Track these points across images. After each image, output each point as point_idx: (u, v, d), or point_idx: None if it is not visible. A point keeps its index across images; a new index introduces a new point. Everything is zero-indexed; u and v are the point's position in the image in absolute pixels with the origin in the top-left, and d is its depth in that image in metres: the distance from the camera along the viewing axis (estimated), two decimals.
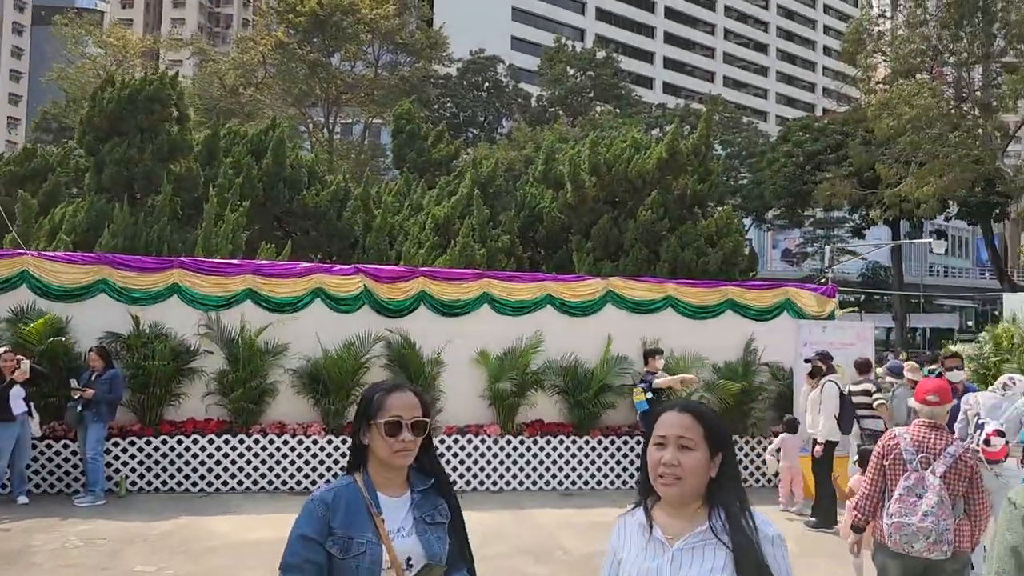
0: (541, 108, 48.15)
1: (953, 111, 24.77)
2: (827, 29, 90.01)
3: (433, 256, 12.93)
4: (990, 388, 6.64)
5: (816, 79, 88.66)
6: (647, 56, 77.57)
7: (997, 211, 36.08)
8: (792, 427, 9.41)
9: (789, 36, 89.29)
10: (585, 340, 10.59)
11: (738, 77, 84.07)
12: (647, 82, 74.28)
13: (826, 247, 22.57)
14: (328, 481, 2.67)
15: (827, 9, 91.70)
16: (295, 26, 43.74)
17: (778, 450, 9.50)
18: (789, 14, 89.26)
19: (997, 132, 25.40)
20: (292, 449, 9.54)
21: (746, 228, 49.72)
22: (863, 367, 9.55)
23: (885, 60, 29.79)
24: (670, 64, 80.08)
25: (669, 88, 77.23)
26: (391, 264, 12.52)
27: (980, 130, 25.28)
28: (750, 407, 10.66)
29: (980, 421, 6.36)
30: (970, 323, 60.55)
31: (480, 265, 12.52)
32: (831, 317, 11.26)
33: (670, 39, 79.86)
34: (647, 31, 79.00)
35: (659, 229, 13.03)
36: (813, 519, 8.64)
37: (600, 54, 48.31)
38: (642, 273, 12.39)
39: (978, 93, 25.72)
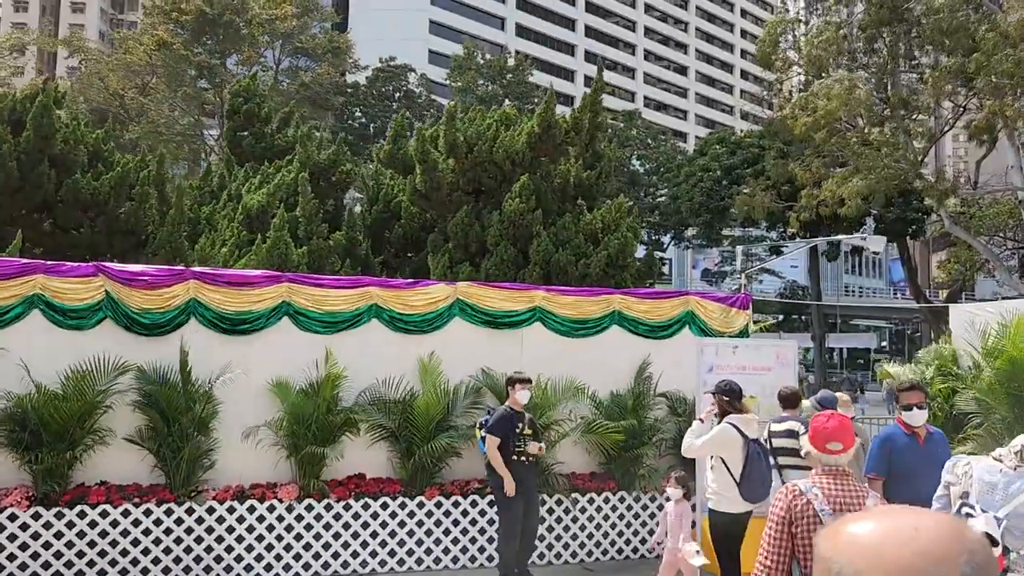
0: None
1: (875, 103, 23.26)
2: (744, 33, 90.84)
3: (235, 256, 10.06)
4: (992, 455, 4.16)
5: (735, 98, 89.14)
6: (568, 74, 76.19)
7: (913, 227, 35.11)
8: (682, 482, 6.82)
9: (708, 60, 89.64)
10: (419, 365, 7.91)
11: (659, 98, 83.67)
12: (569, 100, 72.92)
13: (738, 248, 20.54)
14: None
15: (744, 13, 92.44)
16: (182, 25, 40.31)
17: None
18: (709, 38, 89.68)
19: (919, 133, 24.02)
20: None
21: (664, 246, 48.24)
22: (789, 400, 7.12)
23: (800, 65, 28.39)
24: (590, 82, 78.96)
25: None
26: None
27: (902, 134, 23.86)
28: (641, 452, 8.13)
29: (966, 506, 3.89)
30: (884, 343, 60.27)
31: (298, 268, 9.72)
32: (743, 334, 8.85)
33: (590, 57, 78.73)
34: (567, 48, 77.84)
35: (530, 223, 10.42)
36: None
37: (511, 62, 46.22)
38: (508, 278, 9.80)
39: (901, 87, 24.33)
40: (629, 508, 8.11)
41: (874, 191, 23.91)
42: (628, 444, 8.10)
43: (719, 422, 6.26)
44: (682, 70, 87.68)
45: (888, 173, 23.71)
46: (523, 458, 6.91)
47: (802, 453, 7.08)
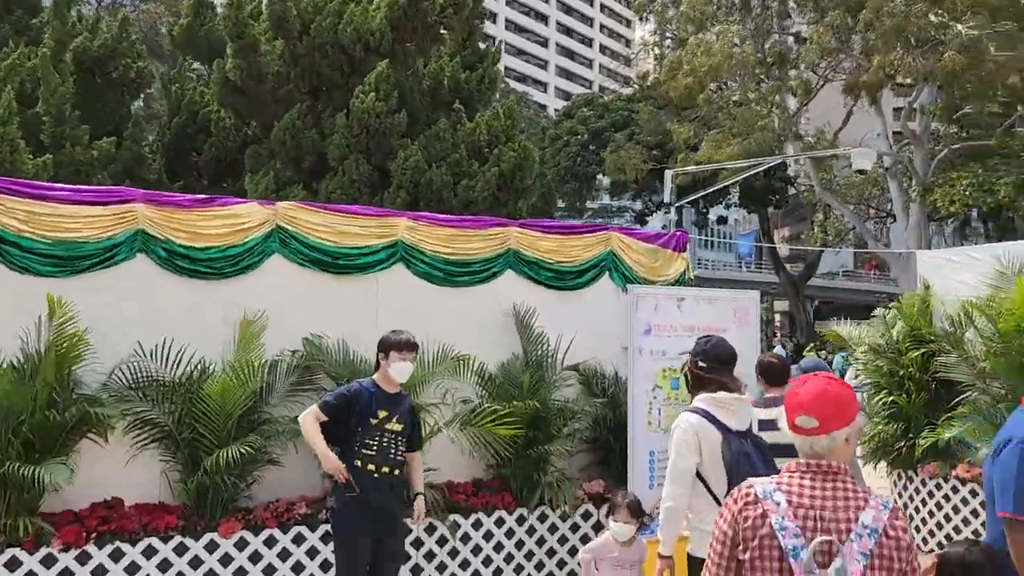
0: None
1: (753, 60, 21.97)
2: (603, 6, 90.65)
3: None
4: None
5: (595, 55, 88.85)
6: None
7: (777, 197, 34.76)
8: (636, 512, 4.38)
9: (568, 32, 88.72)
10: (216, 326, 5.08)
11: (522, 70, 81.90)
12: None
13: (667, 173, 18.60)
14: None
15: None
16: None
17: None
18: (568, 9, 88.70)
19: (796, 89, 22.99)
20: None
21: None
22: (775, 374, 4.88)
23: (674, 23, 26.96)
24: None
25: None
26: None
27: (779, 93, 22.80)
28: (547, 450, 5.68)
29: None
30: None
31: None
32: (681, 282, 6.55)
33: None
34: None
35: (390, 130, 7.60)
36: None
37: None
38: (361, 204, 6.99)
39: (778, 45, 23.28)
40: (532, 532, 5.64)
41: (750, 154, 22.79)
42: (529, 439, 5.63)
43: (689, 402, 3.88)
44: (543, 42, 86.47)
45: (763, 136, 22.67)
46: (374, 469, 4.30)
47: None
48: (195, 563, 4.69)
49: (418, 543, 5.26)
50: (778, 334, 40.30)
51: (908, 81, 22.53)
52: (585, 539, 5.55)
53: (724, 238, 69.54)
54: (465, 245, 5.96)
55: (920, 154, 22.41)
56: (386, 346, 4.47)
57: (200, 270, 5.14)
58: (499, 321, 5.99)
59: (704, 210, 36.97)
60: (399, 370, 4.42)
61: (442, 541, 5.33)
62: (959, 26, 18.50)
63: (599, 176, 36.58)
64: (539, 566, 5.63)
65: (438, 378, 5.60)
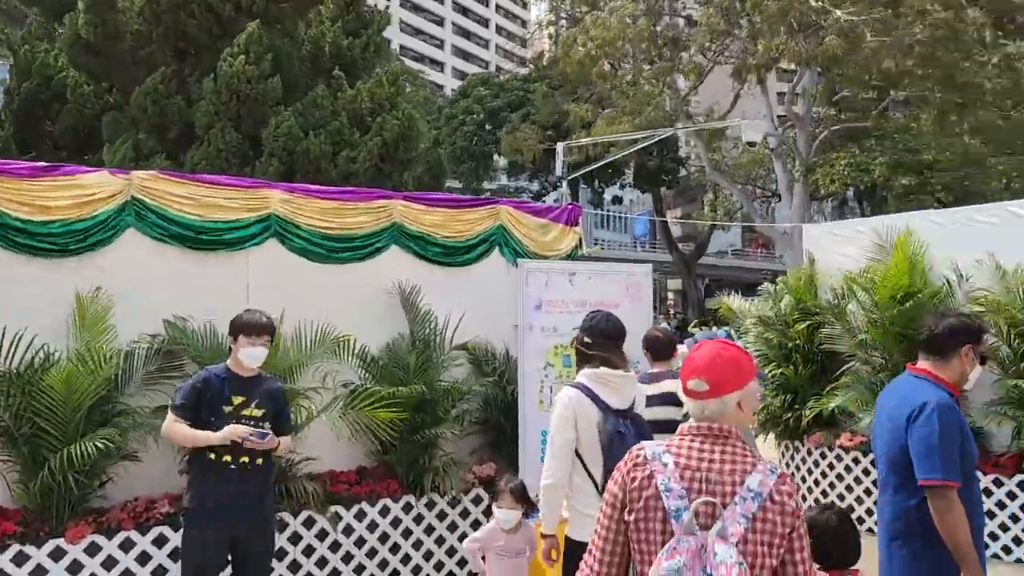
0: None
1: (646, 36, 22.15)
2: None
3: None
4: None
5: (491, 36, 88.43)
6: None
7: (669, 177, 35.42)
8: (520, 497, 4.17)
9: (464, 12, 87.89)
10: (61, 309, 4.56)
11: (419, 49, 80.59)
12: None
13: (558, 146, 18.42)
14: None
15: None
16: None
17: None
18: None
19: (688, 71, 23.33)
20: None
21: None
22: (662, 348, 4.77)
23: (571, 1, 26.96)
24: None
25: None
26: None
27: (669, 77, 23.11)
28: (435, 434, 5.41)
29: None
30: None
31: None
32: (573, 257, 6.38)
33: None
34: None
35: (263, 96, 7.08)
36: None
37: None
38: (230, 172, 6.46)
39: (669, 27, 23.59)
40: (419, 520, 5.36)
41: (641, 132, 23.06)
42: (415, 422, 5.34)
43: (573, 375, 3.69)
44: (439, 21, 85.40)
45: (656, 115, 22.96)
46: (230, 461, 3.91)
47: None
48: (38, 572, 4.19)
49: (296, 538, 4.90)
50: (671, 311, 41.32)
51: (792, 67, 23.24)
52: (477, 525, 5.32)
53: (620, 219, 70.84)
54: (346, 219, 5.59)
55: (803, 136, 23.17)
56: (235, 328, 4.06)
57: (41, 246, 4.59)
58: (383, 299, 5.67)
59: (600, 190, 37.35)
60: (249, 355, 4.02)
61: (322, 535, 4.99)
62: (838, 12, 19.12)
63: (496, 156, 36.41)
64: (428, 555, 5.37)
65: (317, 361, 5.24)
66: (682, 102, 24.10)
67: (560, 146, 17.70)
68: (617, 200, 42.33)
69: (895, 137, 23.00)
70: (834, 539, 2.93)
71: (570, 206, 6.63)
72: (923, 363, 3.19)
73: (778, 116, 26.12)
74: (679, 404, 4.38)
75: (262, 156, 7.15)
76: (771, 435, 7.50)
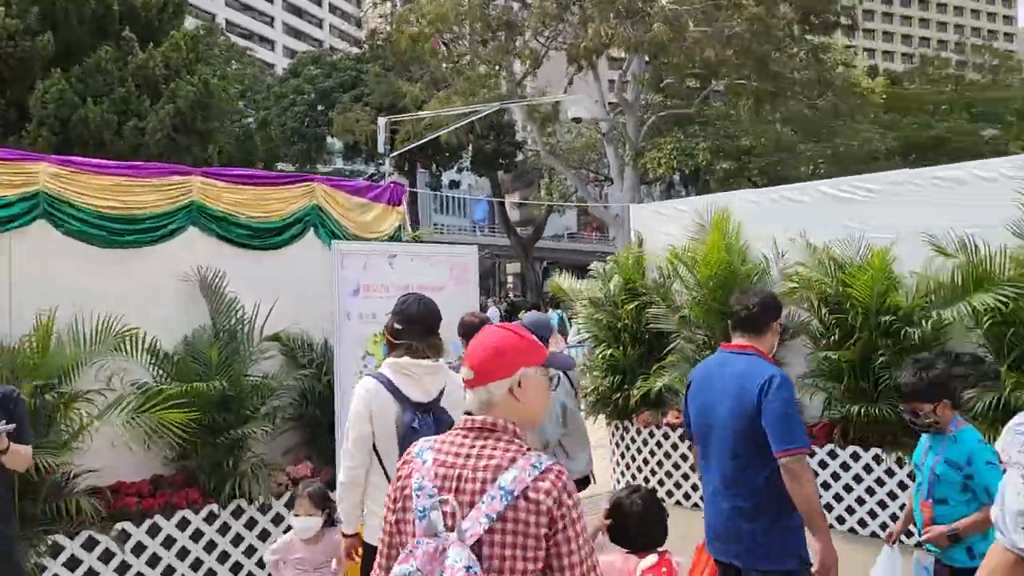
0: None
1: (479, 14, 21.99)
2: None
3: None
4: None
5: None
6: None
7: (507, 161, 35.59)
8: (320, 502, 3.77)
9: (297, 11, 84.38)
10: None
11: (248, 25, 76.53)
12: None
13: (380, 120, 17.75)
14: None
15: None
16: None
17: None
18: None
19: (524, 56, 23.41)
20: None
21: None
22: (474, 333, 4.46)
23: None
24: None
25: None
26: None
27: (504, 55, 23.09)
28: (239, 435, 4.89)
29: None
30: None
31: None
32: (397, 238, 6.00)
33: None
34: None
35: (31, 56, 6.15)
36: None
37: None
38: None
39: (504, 8, 23.54)
40: (225, 530, 4.84)
41: (475, 113, 22.95)
42: (216, 423, 4.80)
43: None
44: None
45: (490, 96, 22.90)
46: None
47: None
48: None
49: (73, 563, 4.26)
50: (510, 294, 41.72)
51: (622, 55, 23.86)
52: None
53: (459, 204, 70.79)
54: (133, 197, 4.94)
55: (632, 121, 23.86)
56: None
57: None
58: (181, 287, 5.07)
59: (437, 173, 36.97)
60: None
61: (107, 556, 4.37)
62: (664, 0, 19.78)
63: (329, 138, 35.16)
64: (236, 568, 4.86)
65: (100, 359, 4.59)
66: (517, 86, 24.19)
67: (382, 121, 17.18)
68: (455, 184, 42.11)
69: (716, 124, 24.18)
70: (639, 523, 2.88)
71: (393, 184, 6.25)
72: (741, 340, 3.22)
73: (610, 103, 26.79)
74: None
75: (30, 123, 6.24)
76: (601, 416, 7.49)
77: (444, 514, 1.79)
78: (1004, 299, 4.97)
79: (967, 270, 5.34)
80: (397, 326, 3.18)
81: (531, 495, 1.77)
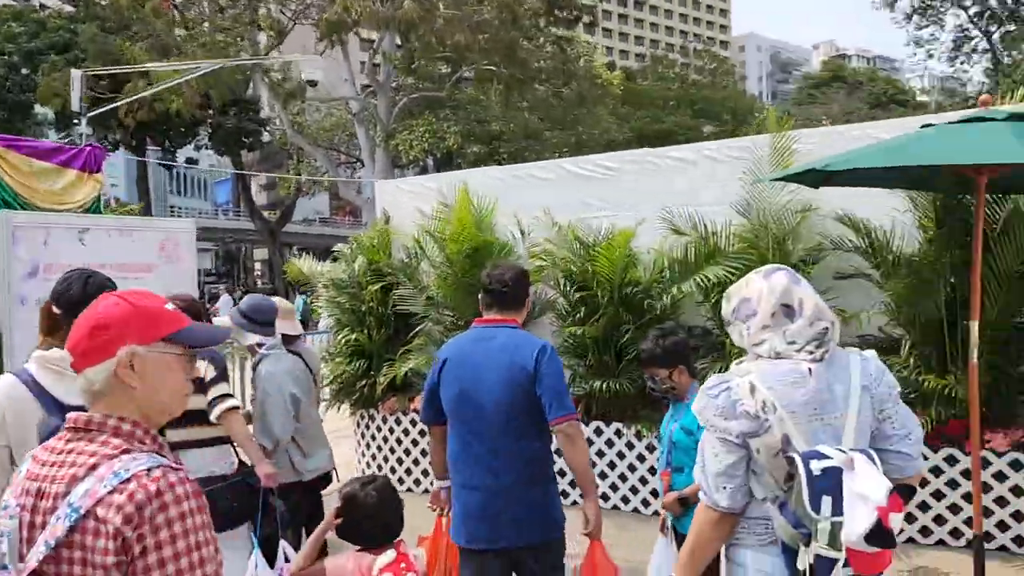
0: None
1: None
2: None
3: None
4: (762, 350, 2.10)
5: None
6: None
7: (250, 139, 33.41)
8: None
9: None
10: None
11: None
12: None
13: (74, 72, 15.56)
14: None
15: None
16: None
17: None
18: None
19: (267, 28, 22.04)
20: None
21: None
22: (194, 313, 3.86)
23: None
24: None
25: None
26: None
27: (245, 25, 21.59)
28: None
29: (796, 455, 1.92)
30: (211, 266, 58.08)
31: None
32: (95, 210, 5.07)
33: None
34: None
35: None
36: None
37: None
38: None
39: None
40: None
41: (213, 87, 21.27)
42: None
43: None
44: None
45: (229, 69, 21.32)
46: None
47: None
48: None
49: None
50: (258, 280, 39.63)
51: (374, 36, 23.23)
52: None
53: (200, 185, 65.79)
54: None
55: (383, 102, 23.37)
56: None
57: None
58: None
59: (171, 149, 33.85)
60: None
61: None
62: None
63: (38, 106, 30.89)
64: None
65: None
66: (261, 58, 22.74)
67: (76, 73, 15.20)
68: (191, 162, 39.02)
69: (467, 108, 24.38)
70: (373, 517, 2.64)
71: (90, 147, 5.29)
72: (496, 315, 3.17)
73: (363, 86, 26.04)
74: (202, 391, 3.60)
75: None
76: (345, 405, 7.02)
77: (22, 539, 1.41)
78: (730, 272, 5.19)
79: (698, 246, 5.55)
80: (57, 310, 2.52)
81: (99, 512, 1.36)
